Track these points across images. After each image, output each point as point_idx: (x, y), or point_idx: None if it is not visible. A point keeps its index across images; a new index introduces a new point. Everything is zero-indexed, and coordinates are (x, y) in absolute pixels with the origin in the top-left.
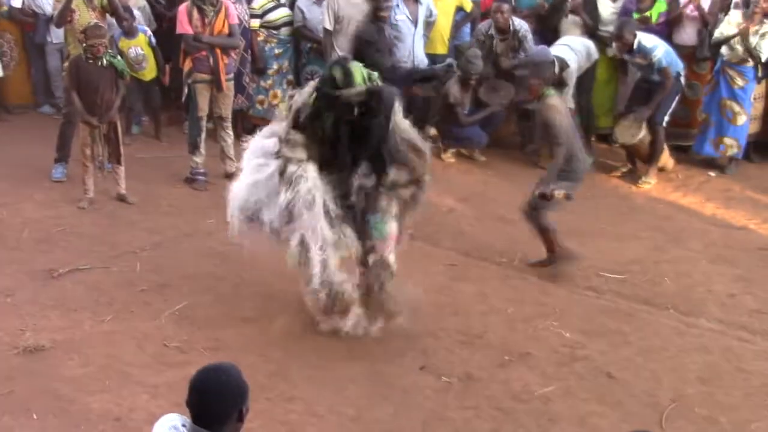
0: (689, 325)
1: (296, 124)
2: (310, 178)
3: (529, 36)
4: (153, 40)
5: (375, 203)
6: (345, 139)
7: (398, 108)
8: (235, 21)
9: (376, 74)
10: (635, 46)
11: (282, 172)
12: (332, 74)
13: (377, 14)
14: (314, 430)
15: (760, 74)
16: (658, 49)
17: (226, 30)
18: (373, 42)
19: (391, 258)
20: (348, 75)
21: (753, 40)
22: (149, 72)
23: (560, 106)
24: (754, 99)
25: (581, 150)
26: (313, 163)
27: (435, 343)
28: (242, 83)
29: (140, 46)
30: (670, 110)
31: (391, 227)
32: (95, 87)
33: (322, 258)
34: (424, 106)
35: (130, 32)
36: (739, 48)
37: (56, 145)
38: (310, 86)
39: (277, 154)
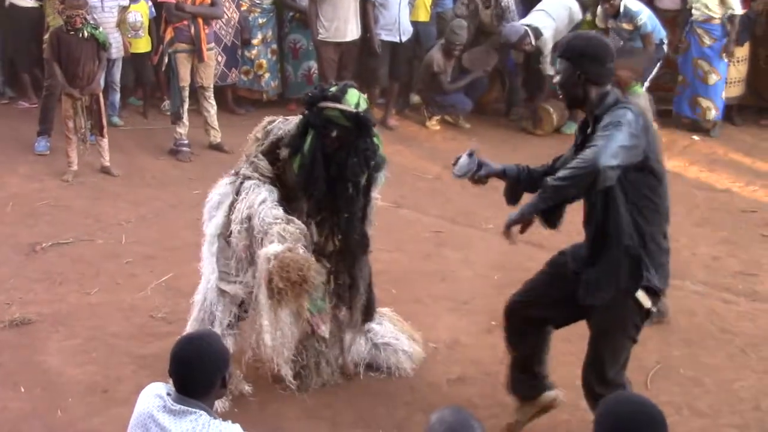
0: (674, 288)
1: (270, 152)
2: (266, 189)
3: (512, 6)
4: (153, 11)
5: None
6: (320, 164)
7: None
8: None
9: (368, 107)
10: (621, 10)
11: (238, 191)
12: (327, 86)
13: None
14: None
15: (728, 29)
16: (644, 13)
17: (208, 0)
18: None
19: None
20: (342, 92)
21: None
22: (144, 43)
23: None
24: (738, 61)
25: None
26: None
27: (422, 309)
28: (236, 57)
29: (140, 13)
30: (652, 76)
31: (326, 306)
32: (77, 59)
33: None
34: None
35: None
36: (701, 6)
37: (39, 117)
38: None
39: (236, 172)
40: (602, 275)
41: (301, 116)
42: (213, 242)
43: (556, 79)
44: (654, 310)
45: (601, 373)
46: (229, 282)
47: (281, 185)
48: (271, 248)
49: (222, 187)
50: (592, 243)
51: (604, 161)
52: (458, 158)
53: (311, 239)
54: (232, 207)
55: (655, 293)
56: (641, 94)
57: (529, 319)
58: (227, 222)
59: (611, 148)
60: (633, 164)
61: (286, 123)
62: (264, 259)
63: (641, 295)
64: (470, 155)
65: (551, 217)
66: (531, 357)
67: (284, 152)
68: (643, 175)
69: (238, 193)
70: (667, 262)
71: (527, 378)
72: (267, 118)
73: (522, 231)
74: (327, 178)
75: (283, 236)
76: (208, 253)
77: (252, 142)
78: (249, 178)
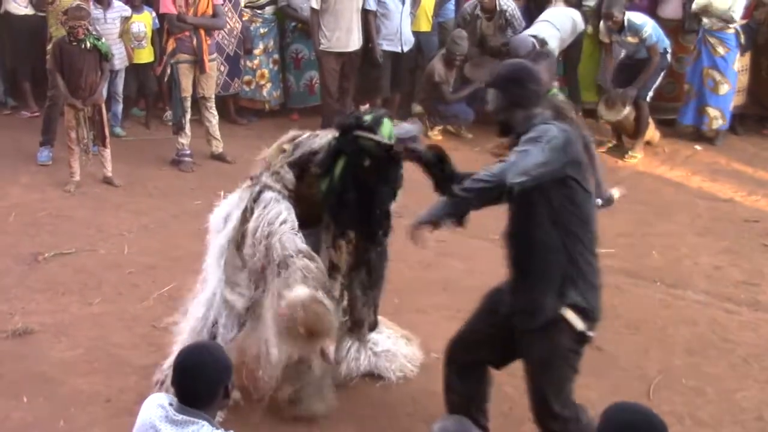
0: (676, 298)
1: (298, 165)
2: (285, 207)
3: (518, 14)
4: (157, 22)
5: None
6: (352, 190)
7: None
8: (220, 1)
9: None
10: (625, 24)
11: (256, 198)
12: (362, 114)
13: None
14: None
15: (742, 41)
16: (648, 25)
17: (210, 11)
18: None
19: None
20: (377, 122)
21: (727, 1)
22: (147, 53)
23: None
24: (739, 71)
25: None
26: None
27: (424, 318)
28: (239, 67)
29: (144, 23)
30: (655, 86)
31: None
32: (79, 69)
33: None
34: None
35: (137, 7)
36: (714, 15)
37: (41, 128)
38: (330, 133)
39: (254, 179)
40: (533, 298)
41: (332, 139)
42: (223, 252)
43: (489, 107)
44: (590, 333)
45: (548, 410)
46: (233, 291)
47: (300, 200)
48: (297, 293)
49: (236, 194)
50: (519, 264)
51: (512, 178)
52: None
53: (328, 258)
54: (245, 214)
55: (587, 315)
56: (557, 94)
57: (469, 363)
58: (240, 230)
59: (522, 165)
60: (554, 179)
61: (315, 137)
62: (290, 304)
63: (571, 316)
64: (414, 123)
65: (460, 218)
66: (470, 403)
67: (315, 169)
68: (568, 191)
69: (255, 201)
70: (599, 284)
71: None
72: (292, 131)
73: (431, 231)
74: (357, 203)
75: (306, 276)
76: (216, 263)
77: (276, 152)
78: (270, 188)
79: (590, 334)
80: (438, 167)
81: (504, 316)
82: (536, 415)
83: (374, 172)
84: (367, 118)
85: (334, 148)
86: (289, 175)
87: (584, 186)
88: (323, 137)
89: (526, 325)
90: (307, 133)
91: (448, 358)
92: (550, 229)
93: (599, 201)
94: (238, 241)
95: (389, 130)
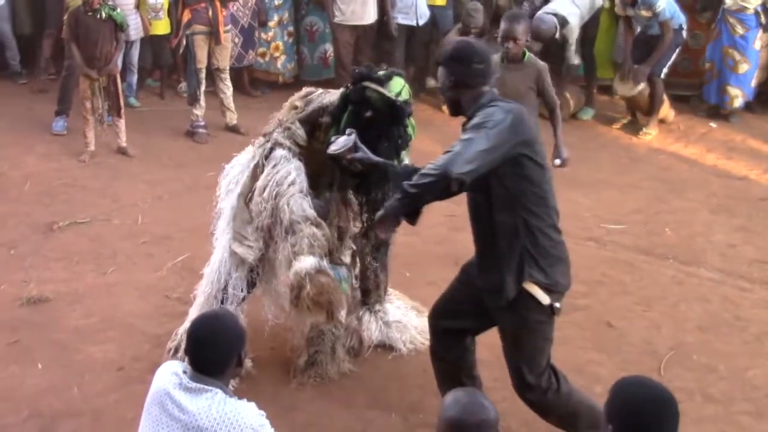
0: (689, 275)
1: (309, 121)
2: (294, 167)
3: None
4: None
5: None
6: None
7: None
8: None
9: (409, 98)
10: None
11: (267, 155)
12: (375, 68)
13: None
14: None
15: (763, 21)
16: (662, 0)
17: None
18: None
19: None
20: (388, 77)
21: None
22: (163, 25)
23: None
24: (759, 49)
25: None
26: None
27: (435, 292)
28: (253, 38)
29: None
30: (670, 62)
31: (348, 291)
32: (94, 39)
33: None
34: None
35: None
36: None
37: (57, 97)
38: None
39: (267, 136)
40: (496, 277)
41: (344, 89)
42: (234, 211)
43: (438, 85)
44: (557, 305)
45: (523, 381)
46: (242, 244)
47: (311, 157)
48: (302, 264)
49: (248, 152)
50: (482, 243)
51: (456, 169)
52: (338, 137)
53: (340, 219)
54: (257, 170)
55: (549, 290)
56: (532, 58)
57: (452, 331)
58: (251, 186)
59: (466, 155)
60: (506, 161)
61: (327, 94)
62: (296, 276)
63: (536, 290)
64: (350, 134)
65: (413, 214)
66: (460, 370)
67: (326, 119)
68: (522, 170)
69: (266, 158)
70: (565, 256)
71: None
72: (306, 88)
73: (395, 227)
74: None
75: (312, 244)
76: (226, 224)
77: (288, 109)
78: (280, 145)
79: (557, 305)
80: (393, 167)
81: (478, 288)
82: (514, 386)
83: (374, 126)
84: (381, 72)
85: (343, 96)
86: (301, 131)
87: (538, 162)
88: (335, 94)
89: (493, 303)
90: (319, 90)
91: (432, 326)
92: (508, 211)
93: (557, 161)
94: (247, 195)
95: (400, 87)
